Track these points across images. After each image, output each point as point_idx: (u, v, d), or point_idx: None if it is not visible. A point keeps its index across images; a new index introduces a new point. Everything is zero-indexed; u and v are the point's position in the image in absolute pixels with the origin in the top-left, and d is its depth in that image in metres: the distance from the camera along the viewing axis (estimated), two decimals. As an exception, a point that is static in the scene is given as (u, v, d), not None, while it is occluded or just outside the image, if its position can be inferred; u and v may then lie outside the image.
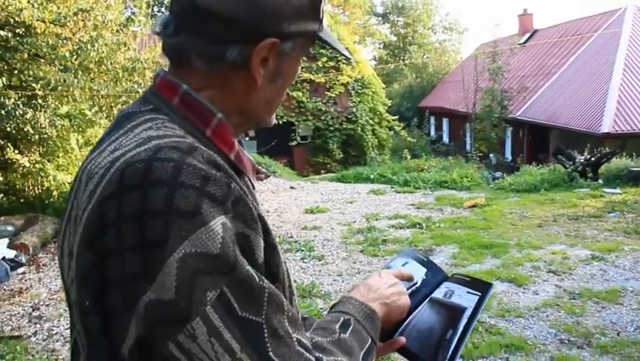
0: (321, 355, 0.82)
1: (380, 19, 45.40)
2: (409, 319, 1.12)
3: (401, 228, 8.32)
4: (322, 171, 19.02)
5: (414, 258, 1.26)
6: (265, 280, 0.78)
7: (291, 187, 12.55)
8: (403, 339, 1.08)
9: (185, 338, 0.72)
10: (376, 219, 8.92)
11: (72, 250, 0.81)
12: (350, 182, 13.75)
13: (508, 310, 5.01)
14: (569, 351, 4.23)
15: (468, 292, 1.13)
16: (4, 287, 6.10)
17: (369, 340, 0.95)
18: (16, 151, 7.92)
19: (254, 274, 0.76)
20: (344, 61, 21.69)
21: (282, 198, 11.19)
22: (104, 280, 0.75)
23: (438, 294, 1.16)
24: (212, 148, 0.85)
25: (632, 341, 4.34)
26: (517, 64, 25.40)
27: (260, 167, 13.90)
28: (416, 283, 1.18)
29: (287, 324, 0.78)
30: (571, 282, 5.69)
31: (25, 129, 7.64)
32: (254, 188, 0.94)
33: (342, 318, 0.95)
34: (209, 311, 0.72)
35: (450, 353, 1.03)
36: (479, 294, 1.11)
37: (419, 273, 1.21)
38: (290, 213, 9.69)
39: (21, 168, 7.95)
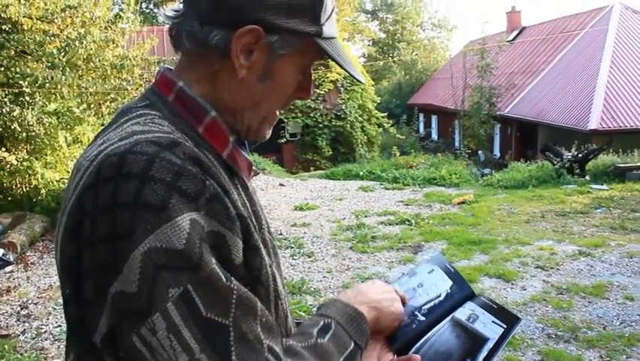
0: (291, 360, 0.79)
1: (369, 16, 45.39)
2: (427, 335, 1.06)
3: (390, 224, 8.36)
4: (311, 168, 19.02)
5: (442, 267, 1.19)
6: (235, 282, 0.75)
7: (281, 184, 12.55)
8: (418, 357, 1.01)
9: (146, 331, 0.72)
10: (365, 216, 8.95)
11: (59, 240, 0.82)
12: (339, 179, 13.77)
13: (496, 305, 5.05)
14: (556, 345, 4.27)
15: (493, 322, 1.06)
16: (-7, 286, 6.06)
17: (352, 345, 0.89)
18: (4, 149, 7.86)
19: (221, 273, 0.74)
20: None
21: (272, 196, 11.19)
22: (80, 269, 0.77)
23: (461, 315, 1.09)
24: (204, 146, 0.85)
25: (618, 334, 4.40)
26: (506, 61, 25.51)
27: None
28: (439, 296, 1.12)
29: (258, 329, 0.76)
30: (558, 277, 5.75)
31: (13, 127, 7.59)
32: (248, 188, 0.93)
33: (322, 322, 0.90)
34: (170, 308, 0.71)
35: None
36: (505, 327, 1.04)
37: (444, 285, 1.14)
38: (279, 211, 9.69)
39: (8, 166, 7.89)
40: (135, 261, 0.71)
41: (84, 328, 0.78)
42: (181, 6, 0.90)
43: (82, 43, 7.68)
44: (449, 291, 1.12)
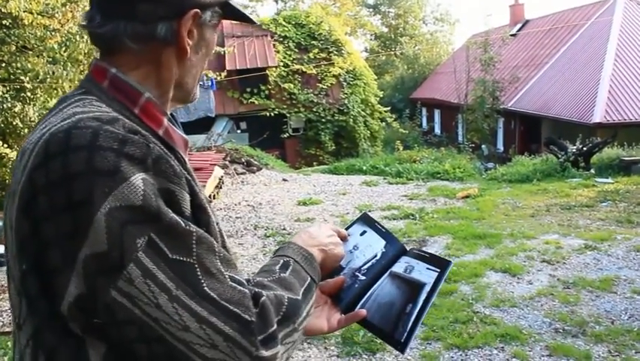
0: (260, 290, 0.86)
1: (371, 10, 45.25)
2: (370, 291, 1.16)
3: (394, 219, 8.31)
4: (314, 163, 18.96)
5: (372, 228, 1.28)
6: (192, 225, 0.83)
7: (284, 179, 12.50)
8: (363, 312, 1.13)
9: (123, 283, 0.78)
10: (369, 211, 8.89)
11: (12, 223, 0.86)
12: (342, 174, 13.71)
13: (502, 300, 5.01)
14: (564, 340, 4.23)
15: (427, 268, 1.16)
16: (-5, 282, 6.04)
17: (309, 278, 1.00)
18: (5, 145, 7.80)
19: (179, 220, 0.82)
20: (335, 52, 21.66)
21: (275, 191, 11.14)
22: (41, 243, 0.81)
23: (398, 268, 1.20)
24: (140, 125, 0.91)
25: (626, 329, 4.34)
26: (509, 54, 25.40)
27: (252, 159, 13.84)
28: (376, 256, 1.22)
29: (219, 263, 0.83)
30: (565, 271, 5.70)
31: (14, 123, 7.55)
32: (186, 163, 0.98)
33: (281, 260, 1.00)
34: (141, 256, 0.78)
35: (410, 325, 1.08)
36: (438, 270, 1.15)
37: (379, 245, 1.24)
38: (283, 206, 9.65)
39: (10, 163, 7.85)
40: (100, 223, 0.77)
41: (47, 298, 0.83)
42: (90, 12, 0.97)
43: (83, 37, 7.62)
44: (384, 250, 1.23)
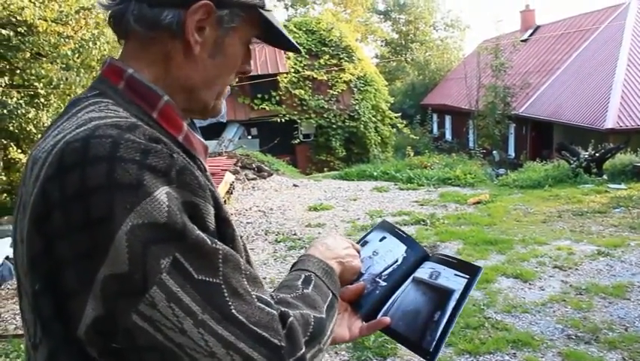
0: (286, 309, 0.83)
1: (381, 16, 45.30)
2: (392, 298, 1.11)
3: (405, 224, 8.29)
4: (325, 169, 19.00)
5: (392, 233, 1.24)
6: (218, 243, 0.78)
7: (295, 185, 12.52)
8: (387, 319, 1.08)
9: (145, 307, 0.73)
10: (380, 217, 8.88)
11: (23, 237, 0.80)
12: (353, 180, 13.71)
13: (514, 305, 4.98)
14: (577, 347, 4.19)
15: (455, 275, 1.11)
16: (8, 286, 6.09)
17: (331, 294, 0.97)
18: (19, 150, 7.92)
19: (205, 237, 0.77)
20: (346, 58, 21.70)
21: (286, 196, 11.16)
22: (55, 262, 0.75)
23: (422, 274, 1.14)
24: (159, 131, 0.85)
25: (640, 336, 4.30)
26: (520, 60, 25.32)
27: (262, 165, 13.88)
28: (397, 261, 1.17)
29: (245, 283, 0.79)
30: (577, 277, 5.65)
31: (28, 128, 7.64)
32: (206, 170, 0.94)
33: (303, 275, 0.97)
34: (165, 278, 0.73)
35: (439, 334, 1.03)
36: (468, 277, 1.09)
37: (399, 250, 1.20)
38: (293, 211, 9.66)
39: (24, 168, 7.94)
40: (121, 241, 0.71)
41: (62, 321, 0.77)
42: None
43: (96, 44, 7.72)
44: (405, 255, 1.19)
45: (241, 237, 0.91)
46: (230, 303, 0.76)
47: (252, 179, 12.65)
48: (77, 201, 0.73)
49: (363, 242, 1.24)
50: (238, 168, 12.83)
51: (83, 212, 0.72)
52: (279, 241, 7.64)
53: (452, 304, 1.06)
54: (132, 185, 0.73)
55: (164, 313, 0.73)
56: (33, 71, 7.59)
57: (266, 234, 8.09)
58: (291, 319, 0.82)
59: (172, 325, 0.73)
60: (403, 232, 1.24)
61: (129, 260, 0.72)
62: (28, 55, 7.68)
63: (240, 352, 0.75)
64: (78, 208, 0.73)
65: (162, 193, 0.74)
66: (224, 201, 10.14)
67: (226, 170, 11.23)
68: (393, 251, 1.19)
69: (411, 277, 1.15)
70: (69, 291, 0.75)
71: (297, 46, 1.04)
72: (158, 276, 0.72)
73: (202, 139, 0.96)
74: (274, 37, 0.99)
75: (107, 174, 0.73)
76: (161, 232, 0.73)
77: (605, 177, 11.11)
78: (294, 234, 7.97)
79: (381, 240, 1.22)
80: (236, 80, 1.02)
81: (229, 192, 10.77)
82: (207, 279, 0.75)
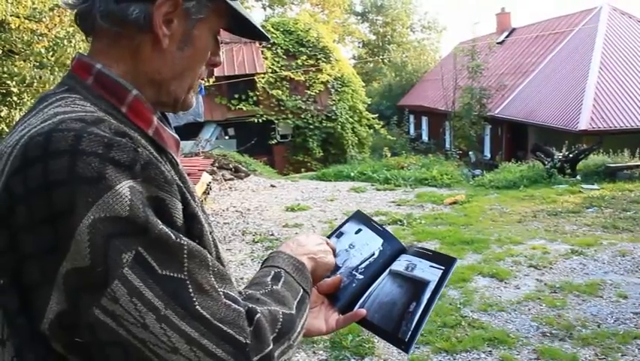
0: (254, 305, 0.82)
1: (359, 18, 45.47)
2: (369, 291, 1.12)
3: (382, 225, 8.31)
4: (302, 170, 19.00)
5: (367, 225, 1.24)
6: (183, 238, 0.77)
7: (272, 186, 12.49)
8: (363, 311, 1.09)
9: (107, 302, 0.72)
10: (358, 217, 8.90)
11: None
12: (330, 180, 13.72)
13: (490, 304, 5.03)
14: (551, 344, 4.25)
15: (431, 266, 1.12)
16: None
17: (301, 290, 0.96)
18: (-9, 150, 7.76)
19: (169, 232, 0.76)
20: (323, 59, 21.72)
21: (263, 197, 11.13)
22: (18, 256, 0.75)
23: (398, 267, 1.15)
24: (128, 125, 0.85)
25: (612, 332, 4.38)
26: (496, 62, 25.60)
27: (240, 165, 13.82)
28: (373, 255, 1.18)
29: (212, 279, 0.78)
30: (551, 276, 5.74)
31: (0, 128, 7.48)
32: (178, 165, 0.94)
33: (273, 271, 0.97)
34: (127, 273, 0.72)
35: (414, 324, 1.04)
36: (443, 268, 1.10)
37: (376, 243, 1.20)
38: (271, 212, 9.63)
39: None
40: (82, 235, 0.71)
41: (26, 316, 0.76)
42: None
43: (70, 42, 7.60)
44: (381, 248, 1.19)
45: (211, 233, 0.91)
46: (194, 299, 0.75)
47: (229, 179, 12.59)
48: (40, 195, 0.73)
49: (338, 233, 1.24)
50: (215, 169, 12.75)
51: (45, 206, 0.72)
52: (257, 242, 7.61)
53: (428, 295, 1.07)
54: (94, 178, 0.72)
55: (126, 308, 0.72)
56: (5, 69, 7.43)
57: (243, 234, 8.05)
58: (258, 315, 0.81)
59: (134, 320, 0.72)
60: (378, 224, 1.25)
61: (91, 254, 0.71)
62: (0, 52, 7.53)
63: (204, 349, 0.75)
64: (41, 202, 0.72)
65: (125, 187, 0.73)
66: (201, 202, 10.08)
67: (203, 170, 11.15)
68: (370, 244, 1.20)
69: (387, 270, 1.15)
70: (33, 285, 0.74)
71: (266, 34, 1.03)
72: (119, 270, 0.72)
73: (174, 133, 0.96)
74: (242, 26, 0.99)
75: (69, 167, 0.72)
76: (123, 225, 0.72)
77: (578, 177, 11.30)
78: (272, 234, 7.95)
79: (357, 232, 1.23)
80: (207, 73, 1.01)
81: (206, 192, 10.69)
82: (171, 274, 0.74)
